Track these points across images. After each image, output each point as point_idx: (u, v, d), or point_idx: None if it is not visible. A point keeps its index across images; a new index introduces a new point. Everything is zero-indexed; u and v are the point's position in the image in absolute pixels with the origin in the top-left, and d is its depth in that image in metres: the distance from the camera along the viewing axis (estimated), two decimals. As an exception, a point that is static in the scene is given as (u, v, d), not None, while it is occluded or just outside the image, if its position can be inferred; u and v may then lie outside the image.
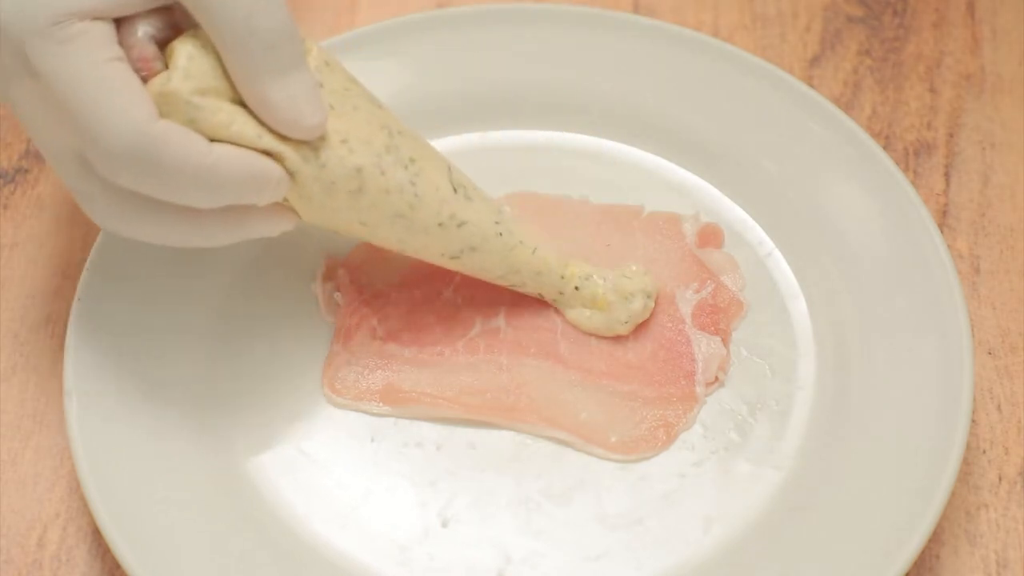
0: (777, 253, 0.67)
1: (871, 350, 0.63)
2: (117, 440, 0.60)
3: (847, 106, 0.73)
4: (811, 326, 0.65)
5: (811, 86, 0.71)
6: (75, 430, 0.59)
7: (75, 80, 0.52)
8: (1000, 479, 0.62)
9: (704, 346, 0.64)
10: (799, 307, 0.65)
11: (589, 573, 0.59)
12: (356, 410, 0.63)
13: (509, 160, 0.70)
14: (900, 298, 0.63)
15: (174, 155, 0.53)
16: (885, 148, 0.71)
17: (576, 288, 0.64)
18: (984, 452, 0.63)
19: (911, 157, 0.71)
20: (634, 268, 0.65)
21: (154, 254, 0.64)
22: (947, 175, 0.71)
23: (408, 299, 0.65)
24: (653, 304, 0.64)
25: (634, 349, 0.64)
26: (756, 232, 0.67)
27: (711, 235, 0.67)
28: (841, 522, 0.58)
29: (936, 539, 0.61)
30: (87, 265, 0.63)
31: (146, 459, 0.60)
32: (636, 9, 0.77)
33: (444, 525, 0.60)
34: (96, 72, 0.52)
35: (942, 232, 0.68)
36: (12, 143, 0.72)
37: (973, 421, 0.63)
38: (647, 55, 0.70)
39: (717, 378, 0.63)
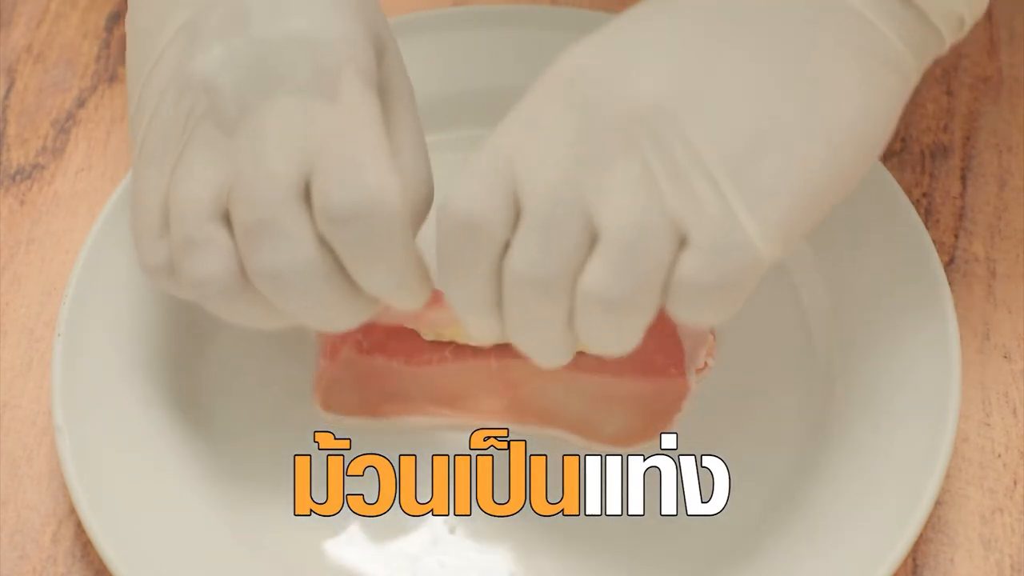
0: None
1: (854, 325, 0.63)
2: (113, 474, 0.59)
3: (864, 108, 0.73)
4: (794, 305, 0.65)
5: (828, 88, 0.71)
6: (70, 466, 0.58)
7: None
8: (1016, 483, 0.62)
9: (689, 333, 0.64)
10: (781, 288, 0.65)
11: (599, 569, 0.59)
12: (350, 425, 0.63)
13: None
14: (879, 270, 0.63)
15: None
16: (901, 151, 0.71)
17: None
18: (999, 456, 0.63)
19: (927, 160, 0.71)
20: None
21: (131, 280, 0.64)
22: (963, 178, 0.71)
23: None
24: None
25: (620, 342, 0.65)
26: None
27: None
28: (839, 501, 0.59)
29: (951, 543, 0.61)
30: (65, 300, 0.62)
31: (143, 492, 0.59)
32: (650, 10, 0.76)
33: (452, 531, 0.60)
34: None
35: (957, 236, 0.68)
36: (29, 139, 0.72)
37: (988, 425, 0.63)
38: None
39: (706, 363, 0.64)
